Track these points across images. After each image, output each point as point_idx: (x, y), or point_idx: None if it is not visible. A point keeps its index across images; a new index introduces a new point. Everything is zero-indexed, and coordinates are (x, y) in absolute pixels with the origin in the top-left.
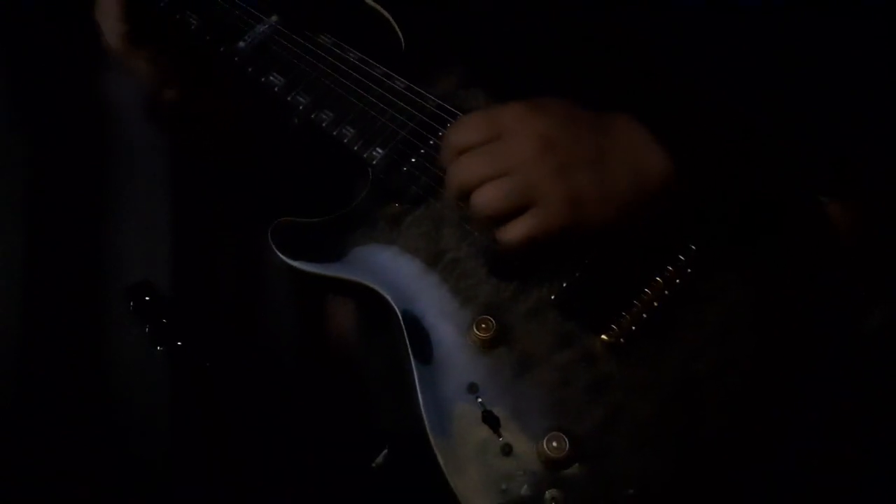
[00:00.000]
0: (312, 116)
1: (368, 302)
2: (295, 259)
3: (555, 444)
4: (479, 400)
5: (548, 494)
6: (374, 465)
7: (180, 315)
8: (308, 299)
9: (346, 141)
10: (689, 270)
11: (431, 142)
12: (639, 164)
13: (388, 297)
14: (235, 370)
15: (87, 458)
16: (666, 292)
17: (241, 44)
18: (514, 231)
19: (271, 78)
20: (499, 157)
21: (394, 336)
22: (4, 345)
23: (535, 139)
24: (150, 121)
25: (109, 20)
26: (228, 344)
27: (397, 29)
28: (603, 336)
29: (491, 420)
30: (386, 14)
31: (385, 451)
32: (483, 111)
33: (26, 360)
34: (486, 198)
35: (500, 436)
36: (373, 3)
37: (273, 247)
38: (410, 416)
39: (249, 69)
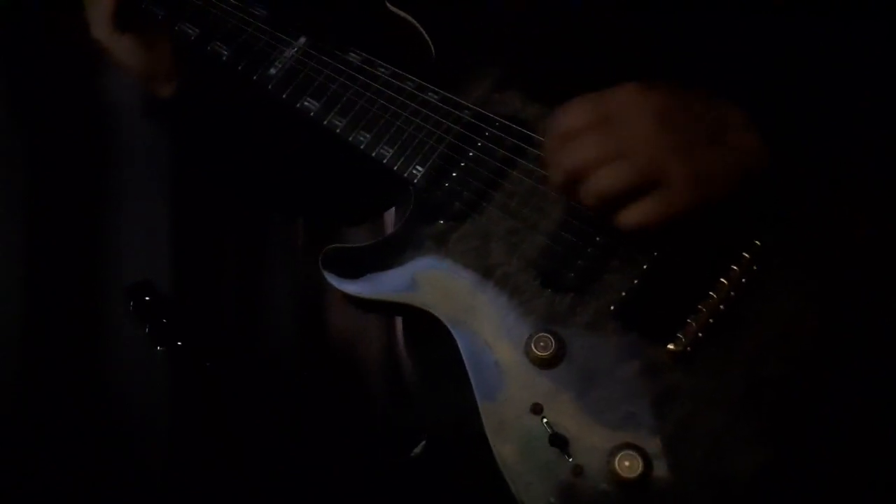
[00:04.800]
0: (350, 139)
1: (420, 321)
2: (347, 285)
3: (627, 463)
4: (545, 420)
5: None
6: (412, 454)
7: (180, 315)
8: (307, 299)
9: (385, 161)
10: (755, 268)
11: (471, 153)
12: (747, 143)
13: (442, 319)
14: (236, 370)
15: (88, 457)
16: (732, 293)
17: (273, 70)
18: (639, 214)
19: (306, 103)
20: (613, 137)
21: (436, 343)
22: (5, 345)
23: (651, 117)
24: (148, 117)
25: (99, 5)
26: (228, 344)
27: (426, 36)
28: (669, 346)
29: (559, 442)
30: (413, 21)
31: (423, 442)
32: (589, 94)
33: (27, 359)
34: (604, 181)
35: (569, 457)
36: (399, 11)
37: (325, 275)
38: (461, 423)
39: (284, 95)
